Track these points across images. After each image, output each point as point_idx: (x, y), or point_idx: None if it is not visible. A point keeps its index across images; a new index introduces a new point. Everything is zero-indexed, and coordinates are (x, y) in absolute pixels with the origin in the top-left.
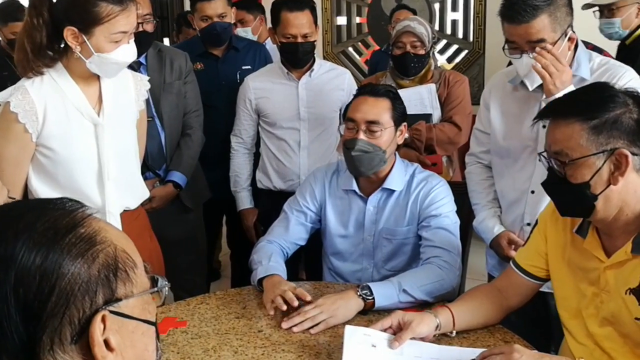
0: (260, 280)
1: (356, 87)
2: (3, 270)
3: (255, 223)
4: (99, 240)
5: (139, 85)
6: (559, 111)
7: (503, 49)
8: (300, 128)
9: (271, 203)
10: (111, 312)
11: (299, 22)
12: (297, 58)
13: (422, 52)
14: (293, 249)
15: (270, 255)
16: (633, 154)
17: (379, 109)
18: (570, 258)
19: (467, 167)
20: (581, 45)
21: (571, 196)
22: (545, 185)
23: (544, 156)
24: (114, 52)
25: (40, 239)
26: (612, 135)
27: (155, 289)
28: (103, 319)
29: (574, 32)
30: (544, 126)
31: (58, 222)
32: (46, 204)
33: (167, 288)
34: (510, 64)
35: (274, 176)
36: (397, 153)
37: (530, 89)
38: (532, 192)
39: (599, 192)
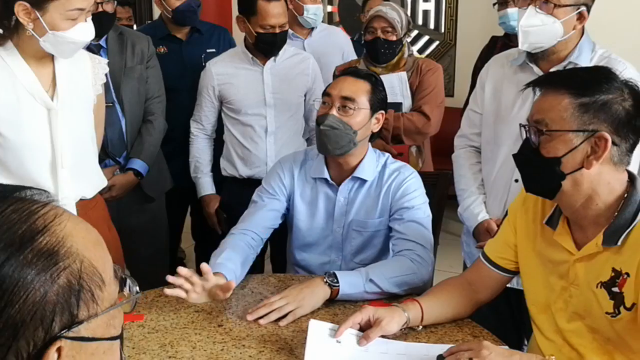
0: None
1: (319, 72)
2: None
3: (217, 210)
4: (62, 254)
5: (96, 68)
6: (552, 81)
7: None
8: (267, 114)
9: (237, 191)
10: (69, 337)
11: (277, 12)
12: (274, 48)
13: (393, 37)
14: (268, 234)
15: (223, 252)
16: (614, 143)
17: (357, 88)
18: (540, 250)
19: (456, 150)
20: (587, 34)
21: (540, 170)
22: (517, 156)
23: (524, 127)
24: (70, 30)
25: None
26: (597, 117)
27: (125, 302)
28: (58, 350)
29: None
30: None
31: (13, 232)
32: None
33: (135, 293)
34: (482, 54)
35: (239, 163)
36: (369, 143)
37: (520, 45)
38: (516, 180)
39: (568, 172)
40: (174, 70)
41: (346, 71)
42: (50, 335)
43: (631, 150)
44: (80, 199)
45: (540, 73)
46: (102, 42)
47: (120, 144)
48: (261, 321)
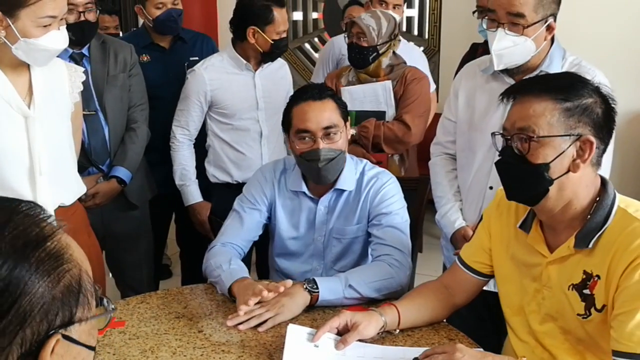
0: (229, 288)
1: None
2: None
3: (210, 217)
4: (66, 259)
5: (73, 77)
6: (531, 88)
7: (485, 17)
8: (259, 118)
9: (228, 197)
10: (64, 335)
11: (286, 17)
12: (282, 52)
13: (364, 44)
14: (248, 247)
15: (230, 259)
16: (596, 145)
17: (330, 112)
18: (513, 254)
19: (432, 158)
20: (557, 42)
21: (527, 178)
22: (500, 164)
23: (501, 134)
24: (43, 37)
25: (8, 248)
26: (581, 120)
27: (107, 314)
28: (54, 346)
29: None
30: None
31: (28, 232)
32: (10, 205)
33: (112, 309)
34: (463, 61)
35: (232, 168)
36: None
37: (495, 67)
38: (490, 187)
39: (556, 177)
40: (157, 79)
41: (305, 96)
42: (52, 328)
43: (604, 152)
44: (59, 206)
45: (512, 81)
46: (84, 50)
47: (103, 151)
48: (241, 327)
